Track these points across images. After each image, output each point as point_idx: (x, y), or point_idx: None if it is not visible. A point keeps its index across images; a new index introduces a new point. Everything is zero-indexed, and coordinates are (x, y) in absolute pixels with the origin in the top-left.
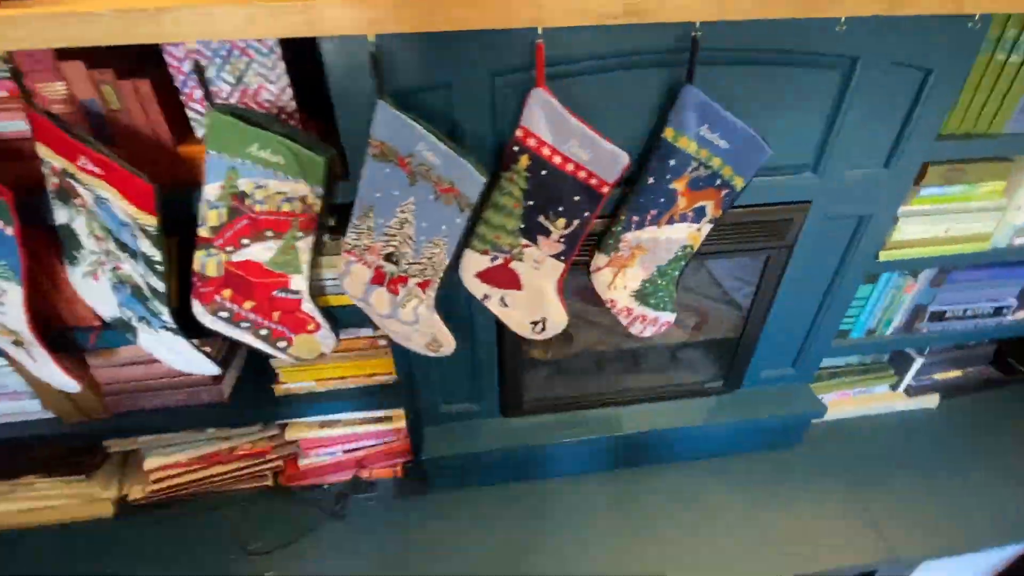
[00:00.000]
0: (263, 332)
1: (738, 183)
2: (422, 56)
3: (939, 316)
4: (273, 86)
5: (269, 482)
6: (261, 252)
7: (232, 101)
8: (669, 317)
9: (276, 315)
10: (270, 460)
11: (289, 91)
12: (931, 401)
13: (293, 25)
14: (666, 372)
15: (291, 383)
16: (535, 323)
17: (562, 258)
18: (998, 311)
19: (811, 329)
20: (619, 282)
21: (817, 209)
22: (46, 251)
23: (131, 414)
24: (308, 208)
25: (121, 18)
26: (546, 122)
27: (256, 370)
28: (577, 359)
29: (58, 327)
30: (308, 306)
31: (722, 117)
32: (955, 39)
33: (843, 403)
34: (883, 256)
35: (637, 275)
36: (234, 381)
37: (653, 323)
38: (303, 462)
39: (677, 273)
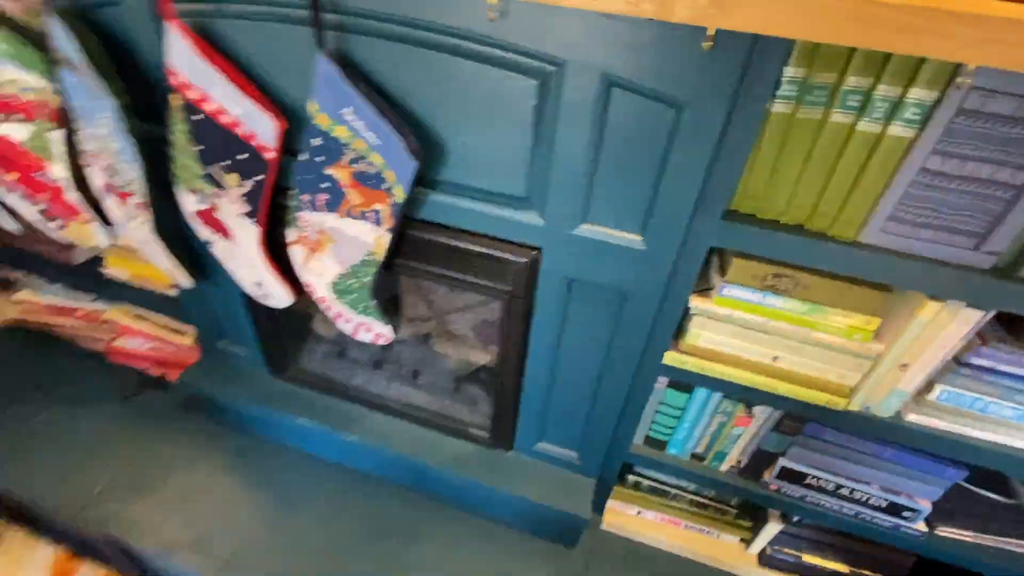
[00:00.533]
0: (38, 207)
1: (399, 193)
2: None
3: (796, 477)
4: None
5: (102, 348)
6: (16, 131)
7: None
8: (382, 329)
9: (43, 196)
10: (99, 331)
11: None
12: None
13: None
14: (443, 400)
15: (111, 268)
16: (257, 283)
17: (252, 219)
18: (895, 508)
19: (593, 416)
20: (314, 266)
21: (552, 261)
22: None
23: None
24: (46, 101)
25: None
26: (188, 64)
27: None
28: (358, 349)
29: None
30: (72, 196)
31: (359, 104)
32: (699, 66)
33: (667, 531)
34: (669, 358)
35: (331, 266)
36: (85, 257)
37: (366, 329)
38: (117, 342)
39: (368, 280)
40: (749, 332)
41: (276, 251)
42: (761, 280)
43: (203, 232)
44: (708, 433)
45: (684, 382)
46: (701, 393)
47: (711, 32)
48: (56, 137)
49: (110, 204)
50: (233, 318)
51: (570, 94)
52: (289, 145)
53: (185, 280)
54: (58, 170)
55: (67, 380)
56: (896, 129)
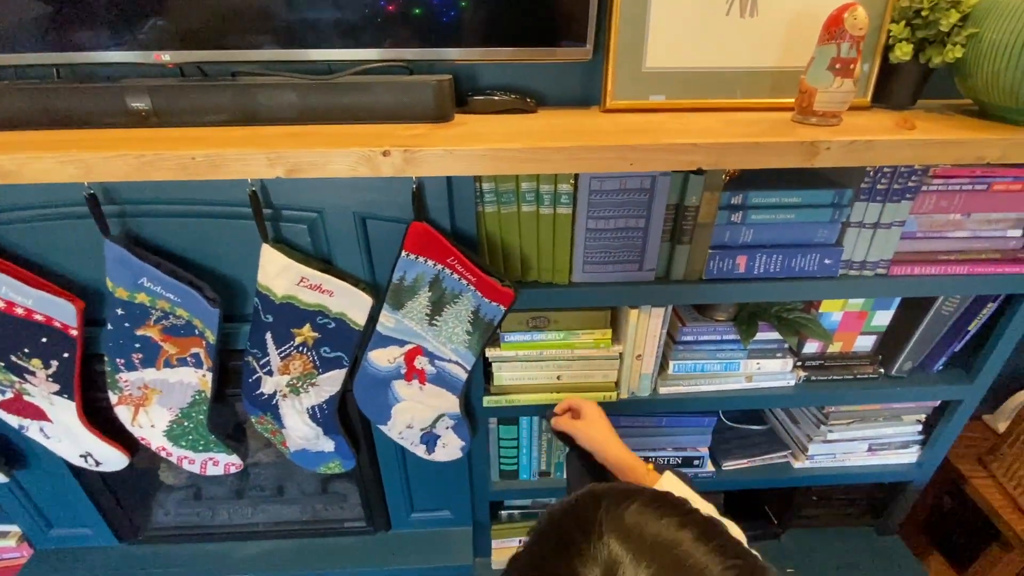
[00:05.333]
0: None
1: (211, 336)
2: None
3: None
4: None
5: None
6: None
7: None
8: (229, 458)
9: None
10: None
11: None
12: None
13: None
14: (314, 505)
15: None
16: (84, 456)
17: (65, 395)
18: (688, 461)
19: (449, 473)
20: (143, 419)
21: None
22: None
23: None
24: None
25: None
26: None
27: None
28: (214, 485)
29: None
30: None
31: (153, 273)
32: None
33: None
34: (487, 402)
35: (162, 415)
36: None
37: (213, 463)
38: None
39: (202, 417)
40: (532, 363)
41: (100, 415)
42: (526, 323)
43: (13, 420)
44: (543, 451)
45: (507, 416)
46: (524, 421)
47: (414, 178)
48: None
49: None
50: (65, 499)
51: (334, 228)
52: (94, 316)
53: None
54: None
55: None
56: (561, 210)
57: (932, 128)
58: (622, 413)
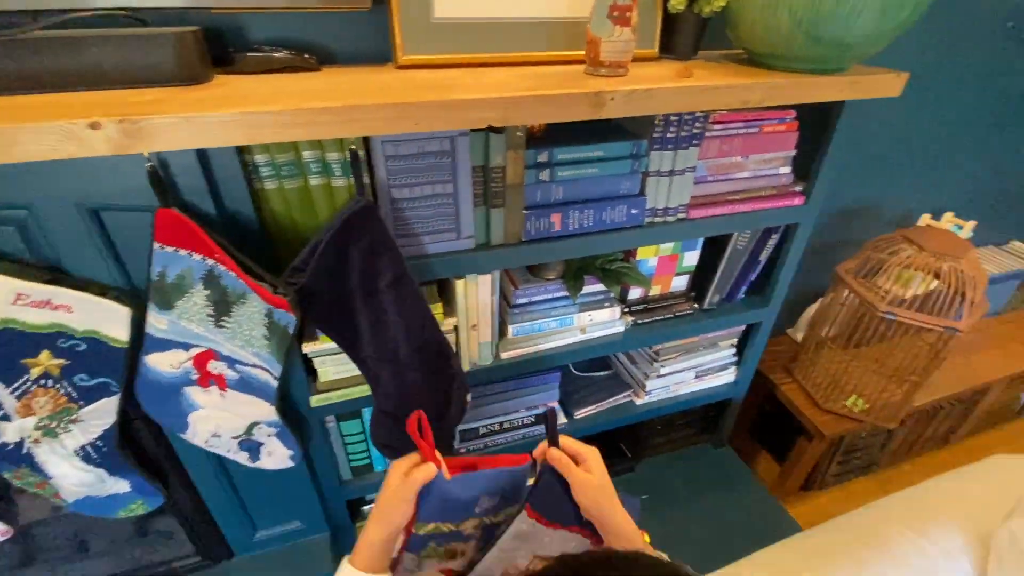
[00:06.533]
0: None
1: None
2: None
3: (473, 434)
4: None
5: None
6: None
7: None
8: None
9: None
10: None
11: None
12: None
13: None
14: (132, 553)
15: None
16: None
17: None
18: (538, 419)
19: (289, 483)
20: None
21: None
22: None
23: None
24: None
25: None
26: None
27: None
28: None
29: None
30: None
31: None
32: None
33: None
34: (315, 401)
35: None
36: None
37: None
38: None
39: None
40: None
41: None
42: None
43: None
44: None
45: (345, 412)
46: (368, 413)
47: (146, 154)
48: None
49: None
50: None
51: (54, 226)
52: None
53: None
54: None
55: None
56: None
57: (706, 76)
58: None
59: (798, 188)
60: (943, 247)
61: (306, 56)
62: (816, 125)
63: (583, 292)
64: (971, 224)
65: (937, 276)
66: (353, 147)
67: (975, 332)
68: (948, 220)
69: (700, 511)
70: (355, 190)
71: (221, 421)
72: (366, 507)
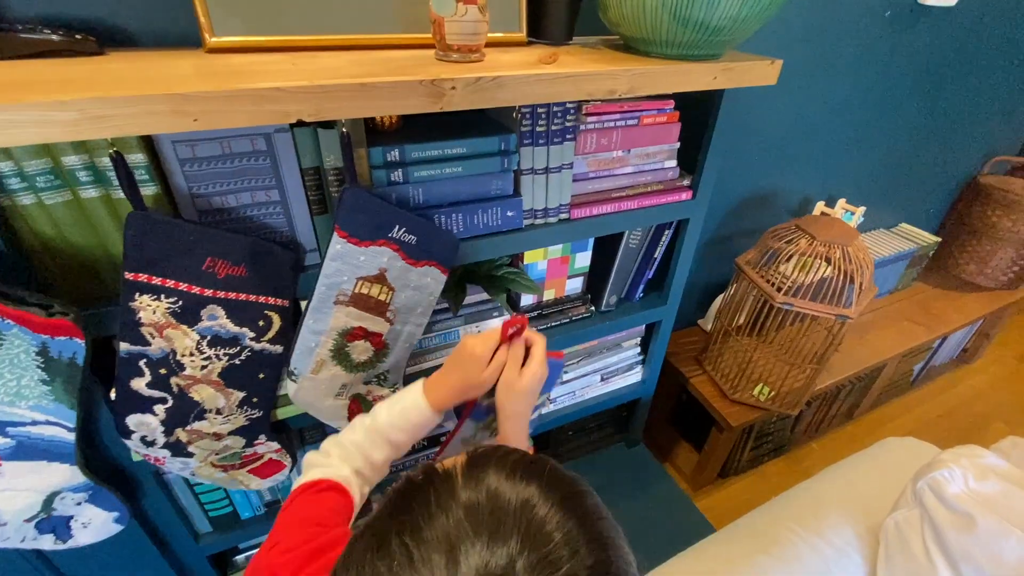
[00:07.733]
0: None
1: None
2: None
3: None
4: None
5: None
6: None
7: None
8: None
9: None
10: None
11: None
12: None
13: None
14: None
15: None
16: None
17: None
18: (434, 441)
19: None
20: None
21: None
22: None
23: None
24: None
25: None
26: None
27: None
28: None
29: None
30: None
31: None
32: None
33: None
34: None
35: None
36: None
37: None
38: None
39: None
40: None
41: None
42: None
43: None
44: None
45: None
46: None
47: None
48: None
49: None
50: None
51: None
52: None
53: None
54: None
55: None
56: (148, 189)
57: (573, 63)
58: None
59: (685, 183)
60: (832, 235)
61: (79, 37)
62: (701, 116)
63: (465, 303)
64: (861, 210)
65: (828, 262)
66: (114, 151)
67: (870, 312)
68: (841, 207)
69: (615, 515)
70: (136, 204)
71: (1, 505)
72: (240, 556)
